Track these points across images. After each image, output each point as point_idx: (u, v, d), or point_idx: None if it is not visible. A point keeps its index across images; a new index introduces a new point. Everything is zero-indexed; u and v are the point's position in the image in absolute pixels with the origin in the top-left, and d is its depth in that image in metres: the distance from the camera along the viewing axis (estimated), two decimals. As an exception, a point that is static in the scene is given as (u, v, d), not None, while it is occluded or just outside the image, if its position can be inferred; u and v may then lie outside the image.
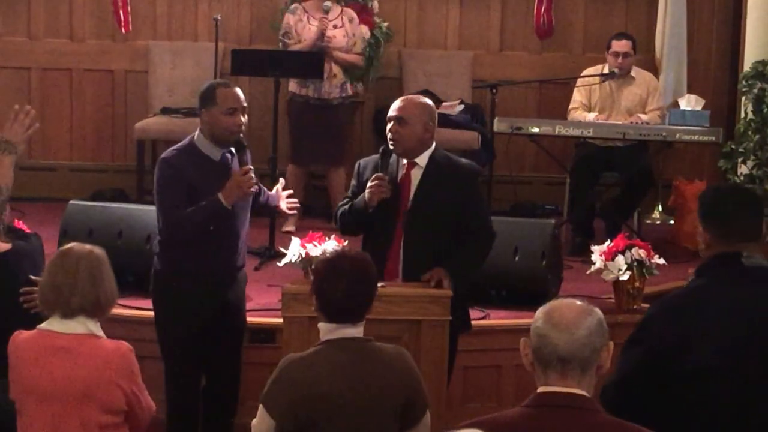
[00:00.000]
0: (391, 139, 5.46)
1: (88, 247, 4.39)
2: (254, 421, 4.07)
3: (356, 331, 4.07)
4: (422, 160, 5.49)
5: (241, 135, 5.57)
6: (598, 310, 3.31)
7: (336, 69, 8.52)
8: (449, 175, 5.47)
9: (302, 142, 8.45)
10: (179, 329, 5.49)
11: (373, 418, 3.98)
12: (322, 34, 8.41)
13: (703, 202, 4.09)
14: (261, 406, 4.02)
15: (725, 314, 3.85)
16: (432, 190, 5.42)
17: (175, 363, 5.49)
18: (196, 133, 5.58)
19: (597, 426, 3.23)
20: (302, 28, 8.53)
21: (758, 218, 4.04)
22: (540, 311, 3.31)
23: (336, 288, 4.05)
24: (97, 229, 6.75)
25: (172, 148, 5.64)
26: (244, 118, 5.56)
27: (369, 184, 5.37)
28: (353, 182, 5.65)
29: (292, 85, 8.56)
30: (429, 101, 5.65)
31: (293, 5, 8.75)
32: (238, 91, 5.60)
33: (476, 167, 5.73)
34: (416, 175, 5.47)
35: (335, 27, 8.56)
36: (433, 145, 5.54)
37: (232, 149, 5.57)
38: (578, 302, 3.32)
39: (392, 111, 5.49)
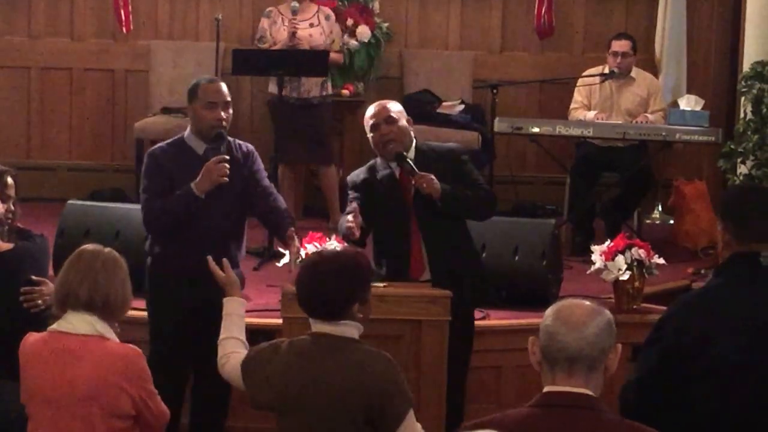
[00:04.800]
0: (388, 141, 5.55)
1: (107, 249, 4.39)
2: (233, 360, 4.28)
3: (339, 329, 4.05)
4: (411, 154, 5.60)
5: (224, 129, 5.55)
6: (607, 311, 3.33)
7: None
8: (437, 161, 5.58)
9: (286, 142, 8.38)
10: (162, 325, 5.49)
11: (333, 417, 3.96)
12: (292, 35, 8.39)
13: (724, 202, 4.12)
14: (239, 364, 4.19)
15: (742, 313, 3.85)
16: None
17: (158, 362, 5.44)
18: (187, 129, 5.64)
19: (603, 426, 3.23)
20: (276, 30, 8.52)
21: None
22: (550, 310, 3.32)
23: (306, 285, 4.10)
24: (95, 229, 6.73)
25: (164, 142, 5.74)
26: (226, 113, 5.55)
27: (346, 224, 5.38)
28: (351, 194, 5.70)
29: (271, 86, 8.52)
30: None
31: (268, 9, 8.73)
32: (222, 86, 5.61)
33: (459, 147, 5.89)
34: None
35: (311, 26, 8.54)
36: (414, 138, 5.68)
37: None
38: (587, 302, 3.34)
39: (375, 117, 5.60)
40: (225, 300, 4.55)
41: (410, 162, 5.51)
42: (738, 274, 3.95)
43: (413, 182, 5.47)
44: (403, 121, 5.61)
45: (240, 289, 4.63)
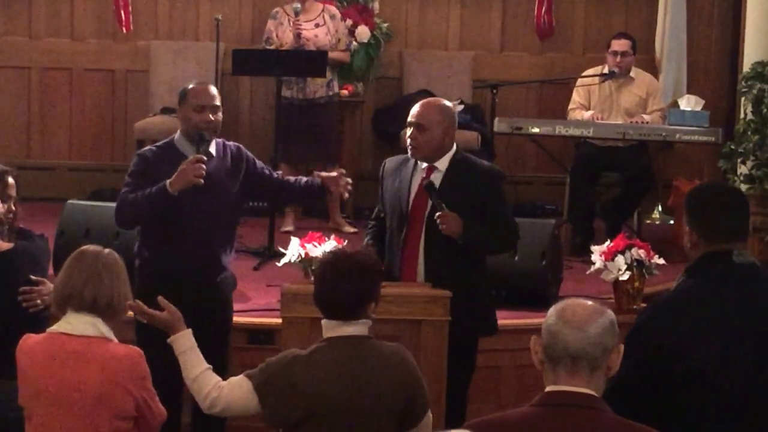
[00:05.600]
0: (410, 146, 5.41)
1: (106, 249, 4.38)
2: (229, 389, 4.09)
3: (356, 328, 4.07)
4: (442, 164, 5.41)
5: (208, 131, 5.51)
6: (610, 311, 3.33)
7: None
8: (470, 178, 5.40)
9: (290, 142, 8.40)
10: (150, 329, 5.46)
11: (369, 417, 3.98)
12: (298, 36, 8.39)
13: (690, 203, 4.08)
14: (249, 385, 4.03)
15: (717, 314, 3.84)
16: (452, 194, 5.33)
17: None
18: (178, 132, 5.63)
19: (606, 426, 3.24)
20: (282, 32, 8.52)
21: (744, 218, 4.03)
22: (552, 309, 3.32)
23: (327, 284, 4.09)
24: (95, 229, 6.73)
25: (153, 144, 5.75)
26: (214, 116, 5.53)
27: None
28: (380, 185, 5.62)
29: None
30: (449, 104, 5.59)
31: (274, 10, 8.73)
32: (211, 89, 5.62)
33: (498, 170, 5.61)
34: (436, 179, 5.40)
35: (317, 26, 8.54)
36: (454, 147, 5.46)
37: (212, 150, 5.56)
38: (590, 302, 3.34)
39: (411, 116, 5.42)
40: (173, 339, 4.27)
41: (437, 196, 5.30)
42: (711, 274, 3.92)
43: (435, 217, 5.28)
44: (437, 131, 5.36)
45: (182, 320, 4.31)
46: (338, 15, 8.74)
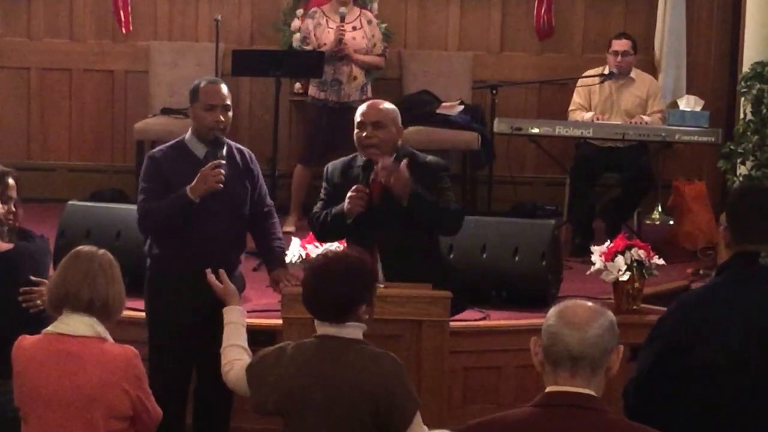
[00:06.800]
0: (369, 145, 5.44)
1: (101, 250, 4.39)
2: (237, 368, 4.35)
3: (345, 331, 4.06)
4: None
5: (222, 132, 5.55)
6: (610, 312, 3.35)
7: (356, 71, 8.54)
8: (414, 171, 5.40)
9: (316, 144, 8.43)
10: (162, 329, 5.49)
11: (337, 419, 3.96)
12: (339, 40, 8.42)
13: (728, 202, 4.14)
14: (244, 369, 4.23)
15: (735, 313, 3.87)
16: None
17: (158, 364, 5.46)
18: (189, 130, 5.64)
19: (606, 426, 3.25)
20: (321, 31, 8.54)
21: None
22: (552, 310, 3.34)
23: (311, 286, 4.12)
24: (96, 229, 6.74)
25: (164, 144, 5.76)
26: (225, 116, 5.55)
27: (349, 194, 5.34)
28: (324, 185, 5.65)
29: (312, 90, 8.59)
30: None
31: (312, 9, 8.76)
32: (223, 88, 5.61)
33: (441, 163, 5.63)
34: None
35: (354, 29, 8.58)
36: (398, 147, 5.53)
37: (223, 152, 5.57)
38: (590, 303, 3.35)
39: (364, 116, 5.47)
40: (225, 310, 4.61)
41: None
42: (737, 273, 3.96)
43: (383, 166, 5.28)
44: (392, 128, 5.46)
45: (239, 298, 4.65)
46: (374, 20, 8.80)
